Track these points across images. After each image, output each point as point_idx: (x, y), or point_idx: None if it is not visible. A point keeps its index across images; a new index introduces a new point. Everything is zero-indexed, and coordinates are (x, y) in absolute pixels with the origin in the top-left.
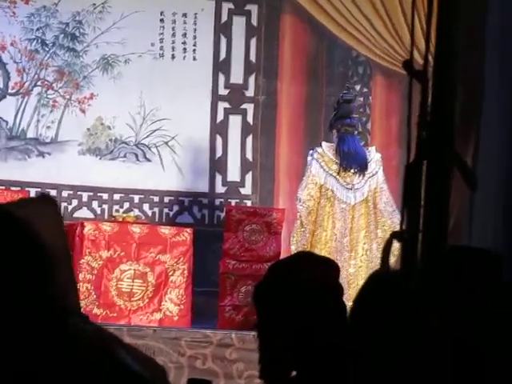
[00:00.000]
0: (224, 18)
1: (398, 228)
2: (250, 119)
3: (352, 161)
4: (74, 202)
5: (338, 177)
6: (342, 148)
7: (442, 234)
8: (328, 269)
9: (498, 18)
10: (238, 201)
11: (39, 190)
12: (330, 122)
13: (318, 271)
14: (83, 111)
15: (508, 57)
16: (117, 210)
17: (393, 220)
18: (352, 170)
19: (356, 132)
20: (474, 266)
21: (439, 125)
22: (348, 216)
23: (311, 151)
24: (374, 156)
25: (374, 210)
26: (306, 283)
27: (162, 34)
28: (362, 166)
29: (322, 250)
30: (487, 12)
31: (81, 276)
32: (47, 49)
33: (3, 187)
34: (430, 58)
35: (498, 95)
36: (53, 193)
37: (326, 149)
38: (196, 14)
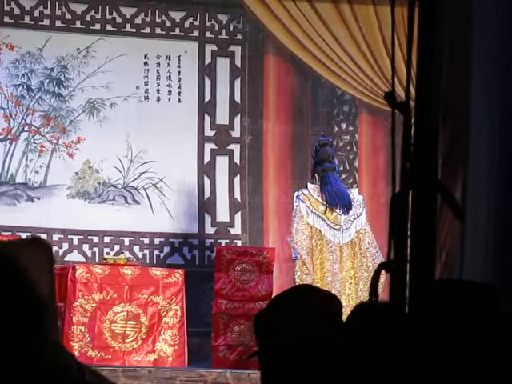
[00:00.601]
0: (208, 59)
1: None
2: (236, 159)
3: (336, 199)
4: (65, 246)
5: (324, 217)
6: (326, 188)
7: (429, 262)
8: (332, 302)
9: (483, 50)
10: (227, 241)
11: (29, 234)
12: (311, 169)
13: (323, 304)
14: (71, 155)
15: (493, 91)
16: (107, 253)
17: (375, 262)
18: (338, 210)
19: (337, 173)
20: (466, 299)
21: (422, 155)
22: (337, 256)
23: (297, 193)
24: (357, 197)
25: (359, 251)
26: (311, 315)
27: (146, 76)
28: (346, 205)
29: None
30: (471, 44)
31: (74, 319)
32: (33, 94)
33: None
34: (412, 89)
35: (484, 129)
36: (43, 237)
37: (312, 190)
38: (180, 56)
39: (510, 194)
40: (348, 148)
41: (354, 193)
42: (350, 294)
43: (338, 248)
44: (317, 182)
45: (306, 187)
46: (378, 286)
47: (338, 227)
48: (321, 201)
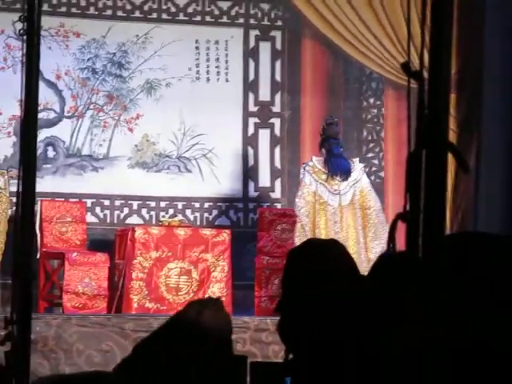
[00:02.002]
0: (251, 43)
1: (383, 223)
2: (277, 132)
3: (337, 169)
4: (126, 210)
5: (326, 184)
6: (330, 160)
7: (440, 213)
8: (338, 246)
9: (497, 26)
10: (269, 204)
11: (94, 200)
12: (319, 143)
13: (337, 259)
14: (131, 130)
15: (507, 66)
16: (163, 216)
17: (378, 217)
18: (338, 177)
19: (341, 148)
20: (479, 247)
21: (435, 118)
22: (337, 217)
23: (303, 165)
24: (357, 165)
25: (360, 212)
26: (328, 269)
27: (197, 59)
28: (345, 172)
29: None
30: (484, 23)
31: (134, 275)
32: (97, 76)
33: (63, 199)
34: (425, 59)
35: (497, 105)
36: (106, 202)
37: (316, 162)
38: (227, 40)
39: None
40: (375, 120)
41: (355, 162)
42: (353, 247)
43: (338, 210)
44: (323, 155)
45: (312, 160)
46: (395, 234)
47: (337, 192)
48: (324, 170)
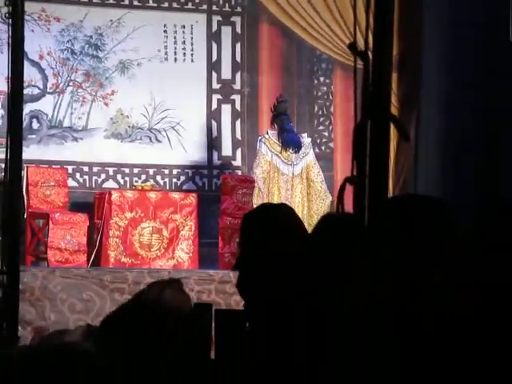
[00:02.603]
0: (214, 27)
1: (325, 193)
2: (237, 107)
3: (290, 143)
4: (103, 176)
5: (280, 155)
6: (282, 134)
7: (383, 176)
8: (288, 209)
9: (435, 10)
10: (230, 171)
11: (75, 167)
12: (271, 119)
13: (286, 218)
14: (106, 104)
15: (444, 48)
16: (136, 181)
17: (322, 186)
18: (290, 150)
19: (290, 123)
20: (418, 207)
21: (378, 93)
22: (289, 185)
23: (260, 137)
24: (305, 140)
25: (307, 182)
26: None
27: (165, 42)
28: (297, 146)
29: None
30: (423, 6)
31: (111, 233)
32: (76, 56)
33: (47, 165)
34: (370, 41)
35: (434, 83)
36: (85, 169)
37: (271, 135)
38: (192, 25)
39: (452, 131)
40: (325, 97)
41: (304, 137)
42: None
43: (290, 179)
44: (275, 129)
45: (267, 133)
46: (343, 196)
47: (290, 163)
48: (278, 143)
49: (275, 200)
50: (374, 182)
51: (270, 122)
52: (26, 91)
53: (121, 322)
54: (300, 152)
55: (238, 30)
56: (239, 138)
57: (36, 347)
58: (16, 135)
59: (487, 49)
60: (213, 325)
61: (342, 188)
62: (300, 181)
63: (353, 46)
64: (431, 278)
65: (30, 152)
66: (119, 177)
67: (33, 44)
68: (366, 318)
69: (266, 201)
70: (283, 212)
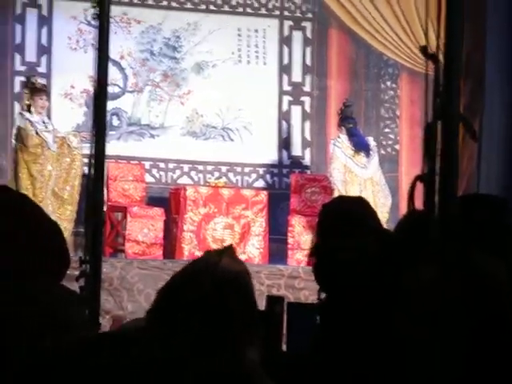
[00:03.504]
0: (286, 32)
1: (387, 197)
2: (307, 108)
3: (361, 146)
4: (178, 172)
5: (353, 158)
6: (352, 138)
7: (453, 174)
8: (365, 202)
9: (496, 23)
10: (300, 170)
11: (152, 163)
12: (338, 122)
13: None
14: (182, 104)
15: (503, 57)
16: (209, 178)
17: (386, 188)
18: (362, 153)
19: (357, 127)
20: (484, 206)
21: (449, 93)
22: (362, 187)
23: (333, 141)
24: (372, 143)
25: (375, 183)
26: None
27: (239, 45)
28: (367, 150)
29: None
30: (486, 15)
31: (185, 227)
32: (154, 57)
33: (125, 161)
34: (441, 44)
35: (499, 87)
36: (162, 165)
37: (344, 138)
38: (264, 29)
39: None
40: (391, 101)
41: (370, 140)
42: None
43: (363, 181)
44: (343, 132)
45: (339, 137)
46: (414, 193)
47: (363, 166)
48: (350, 146)
49: None
50: (444, 180)
51: (337, 125)
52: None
53: (179, 293)
54: (369, 155)
55: (309, 34)
56: (308, 138)
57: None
58: (100, 131)
59: None
60: (284, 317)
61: (413, 185)
62: (370, 183)
63: (424, 49)
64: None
65: (110, 147)
66: (193, 173)
67: (114, 45)
68: (437, 317)
69: None
70: (361, 204)
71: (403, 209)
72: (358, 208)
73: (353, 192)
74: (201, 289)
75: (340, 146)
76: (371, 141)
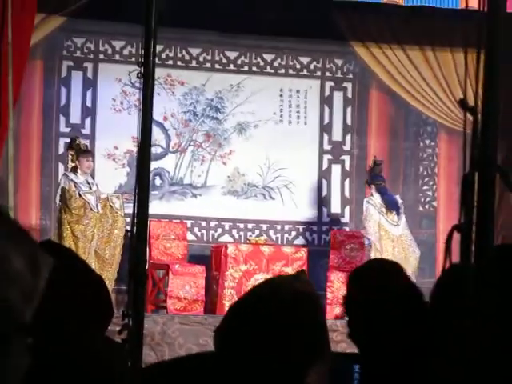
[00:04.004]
0: (327, 92)
1: (415, 249)
2: (347, 167)
3: (392, 205)
4: (219, 230)
5: (386, 216)
6: (383, 197)
7: (490, 224)
8: (400, 269)
9: None
10: (339, 227)
11: (193, 221)
12: (367, 180)
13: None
14: (224, 163)
15: None
16: (250, 236)
17: (412, 243)
18: (394, 212)
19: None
20: None
21: (486, 146)
22: (395, 243)
23: (366, 199)
24: (400, 202)
25: (403, 240)
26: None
27: (281, 105)
28: (398, 208)
29: None
30: None
31: (226, 284)
32: (197, 118)
33: (167, 220)
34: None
35: None
36: (203, 223)
37: (376, 197)
38: (306, 90)
39: None
40: (430, 158)
41: (398, 198)
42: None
43: (396, 238)
44: (371, 189)
45: (372, 195)
46: (451, 244)
47: (394, 223)
48: (383, 204)
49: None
50: (480, 229)
51: (366, 183)
52: None
53: (253, 314)
54: (399, 213)
55: (349, 95)
56: (348, 196)
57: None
58: (143, 190)
59: None
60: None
61: (450, 235)
62: (401, 239)
63: (463, 102)
64: None
65: (152, 207)
66: (234, 231)
67: (158, 106)
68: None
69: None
70: (389, 267)
71: (440, 262)
72: (391, 267)
73: (386, 248)
74: (280, 305)
75: (373, 204)
76: (399, 199)
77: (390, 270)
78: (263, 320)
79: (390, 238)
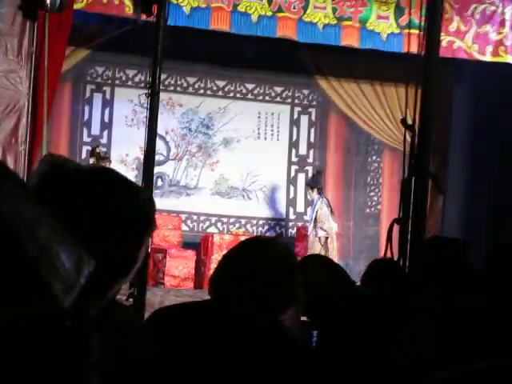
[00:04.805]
0: (295, 116)
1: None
2: (309, 175)
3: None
4: (207, 223)
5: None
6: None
7: (423, 218)
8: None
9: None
10: (302, 223)
11: (187, 215)
12: (310, 184)
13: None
14: (212, 170)
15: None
16: (232, 228)
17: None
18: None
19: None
20: (448, 246)
21: (421, 155)
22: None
23: (319, 197)
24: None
25: None
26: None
27: (259, 125)
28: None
29: None
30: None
31: (212, 266)
32: (192, 133)
33: (166, 213)
34: (417, 119)
35: (458, 155)
36: (195, 217)
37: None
38: (279, 113)
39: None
40: (376, 170)
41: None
42: None
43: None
44: (313, 192)
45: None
46: (392, 234)
47: (335, 220)
48: (328, 204)
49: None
50: (415, 223)
51: (310, 187)
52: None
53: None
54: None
55: (313, 118)
56: (310, 199)
57: None
58: (149, 189)
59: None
60: None
61: (391, 227)
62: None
63: (404, 121)
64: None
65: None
66: (219, 224)
67: (161, 123)
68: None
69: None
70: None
71: (382, 253)
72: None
73: (333, 239)
74: (265, 255)
75: (325, 203)
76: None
77: (327, 261)
78: (252, 267)
79: (333, 233)
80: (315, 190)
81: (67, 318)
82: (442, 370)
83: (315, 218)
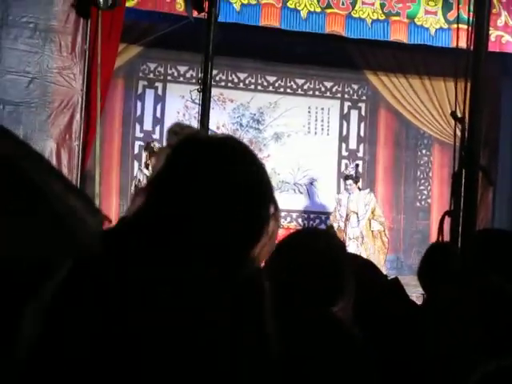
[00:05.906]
0: (345, 110)
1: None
2: (360, 169)
3: None
4: None
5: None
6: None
7: (473, 210)
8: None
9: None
10: None
11: None
12: (355, 179)
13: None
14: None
15: None
16: (283, 222)
17: None
18: None
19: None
20: (499, 240)
21: (472, 148)
22: None
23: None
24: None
25: None
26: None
27: (309, 119)
28: None
29: None
30: (500, 98)
31: None
32: (243, 128)
33: None
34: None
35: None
36: None
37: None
38: (329, 108)
39: None
40: (426, 165)
41: None
42: None
43: None
44: (351, 186)
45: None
46: (443, 226)
47: None
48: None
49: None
50: (466, 215)
51: (353, 181)
52: None
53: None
54: None
55: (363, 112)
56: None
57: None
58: None
59: None
60: None
61: (442, 219)
62: None
63: (454, 113)
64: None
65: None
66: None
67: (212, 118)
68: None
69: None
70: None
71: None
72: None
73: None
74: (316, 247)
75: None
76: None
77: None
78: (298, 258)
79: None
80: (358, 183)
81: None
82: (494, 360)
83: (371, 211)
